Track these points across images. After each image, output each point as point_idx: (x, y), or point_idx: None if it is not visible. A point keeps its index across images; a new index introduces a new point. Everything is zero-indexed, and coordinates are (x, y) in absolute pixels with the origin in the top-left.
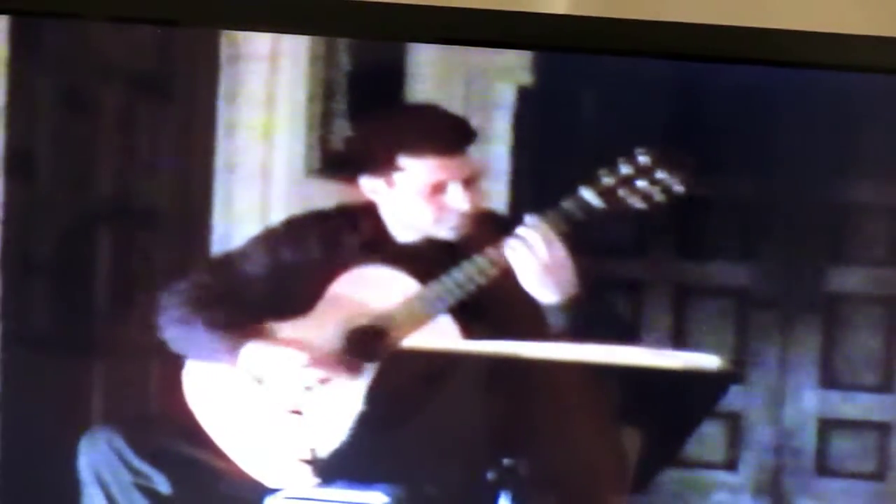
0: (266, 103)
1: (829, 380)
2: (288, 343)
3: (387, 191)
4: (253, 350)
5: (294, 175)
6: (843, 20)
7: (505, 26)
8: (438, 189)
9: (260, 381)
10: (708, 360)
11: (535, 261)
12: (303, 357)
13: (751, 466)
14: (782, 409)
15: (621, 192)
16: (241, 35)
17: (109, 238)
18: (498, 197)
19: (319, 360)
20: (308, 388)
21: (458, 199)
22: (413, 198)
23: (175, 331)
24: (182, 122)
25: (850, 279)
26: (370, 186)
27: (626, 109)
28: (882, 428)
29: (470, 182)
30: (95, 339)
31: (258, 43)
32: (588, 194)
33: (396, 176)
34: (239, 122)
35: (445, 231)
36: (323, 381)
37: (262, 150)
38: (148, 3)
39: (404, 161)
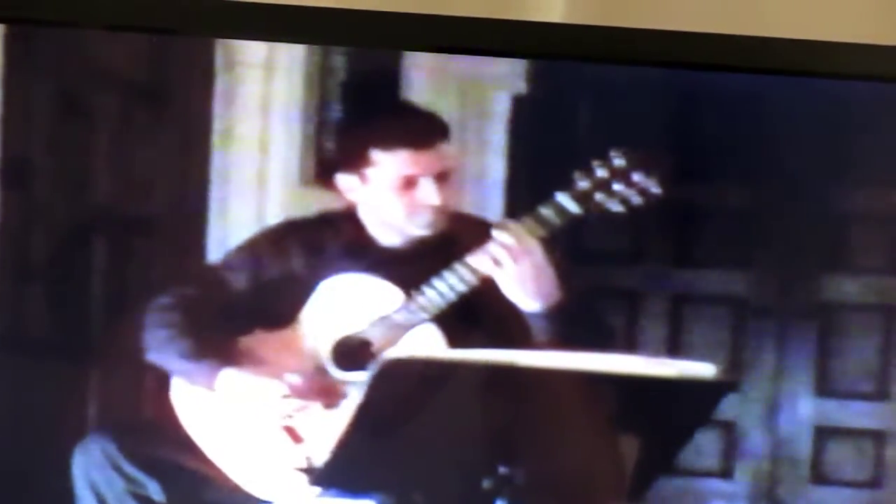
0: (261, 112)
1: (825, 388)
2: (264, 369)
3: (361, 187)
4: (229, 377)
5: (290, 183)
6: (837, 28)
7: (499, 35)
8: (410, 184)
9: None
10: (703, 369)
11: (514, 268)
12: (279, 387)
13: (746, 475)
14: (778, 418)
15: (598, 196)
16: (237, 43)
17: (104, 246)
18: (485, 203)
19: (296, 389)
20: (288, 417)
21: (429, 194)
22: (385, 193)
23: (155, 354)
24: (177, 130)
25: (845, 287)
26: (345, 183)
27: (617, 116)
28: (877, 436)
29: (442, 177)
30: (90, 347)
31: (253, 51)
32: (564, 199)
33: (369, 171)
34: (234, 131)
35: (418, 227)
36: (300, 410)
37: (257, 159)
38: (143, 11)
39: (376, 155)
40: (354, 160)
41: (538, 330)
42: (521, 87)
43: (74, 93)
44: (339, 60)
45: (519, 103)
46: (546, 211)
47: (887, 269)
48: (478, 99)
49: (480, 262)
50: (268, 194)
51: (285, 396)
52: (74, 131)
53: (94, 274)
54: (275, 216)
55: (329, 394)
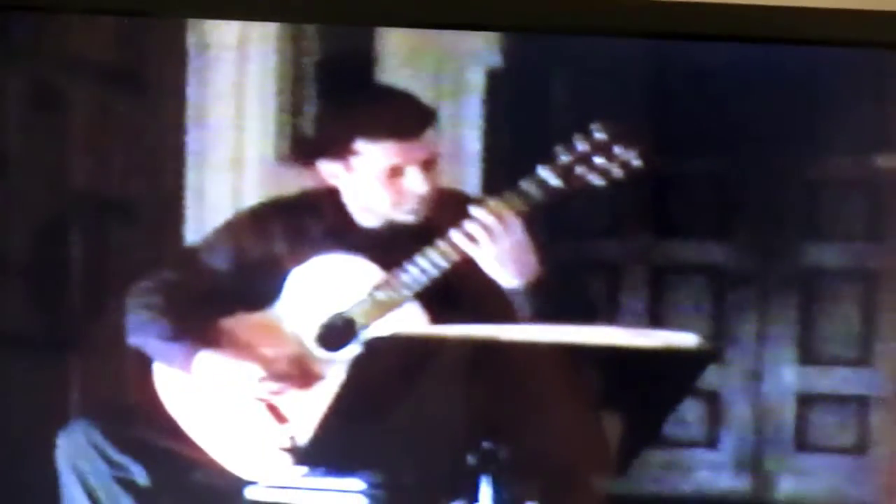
0: (235, 92)
1: (808, 355)
2: (242, 351)
3: (345, 175)
4: (205, 360)
5: (265, 162)
6: None
7: (474, 9)
8: (396, 173)
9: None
10: (685, 339)
11: (494, 245)
12: (256, 370)
13: (731, 444)
14: (761, 386)
15: (579, 170)
16: (209, 24)
17: (83, 232)
18: (464, 178)
19: (273, 373)
20: (262, 400)
21: (416, 183)
22: (371, 182)
23: (136, 338)
24: (152, 113)
25: (825, 254)
26: (329, 171)
27: (593, 88)
28: (861, 401)
29: (428, 165)
30: (72, 332)
31: (226, 32)
32: (545, 173)
33: (354, 160)
34: (209, 112)
35: (404, 215)
36: (276, 394)
37: (232, 140)
38: None
39: (362, 145)
40: (338, 149)
41: (519, 305)
42: (497, 61)
43: (48, 78)
44: (312, 39)
45: (495, 78)
46: (527, 185)
47: (867, 236)
48: (454, 74)
49: (461, 239)
50: (243, 175)
51: (262, 379)
52: (48, 116)
53: (72, 260)
54: (251, 196)
55: (306, 376)
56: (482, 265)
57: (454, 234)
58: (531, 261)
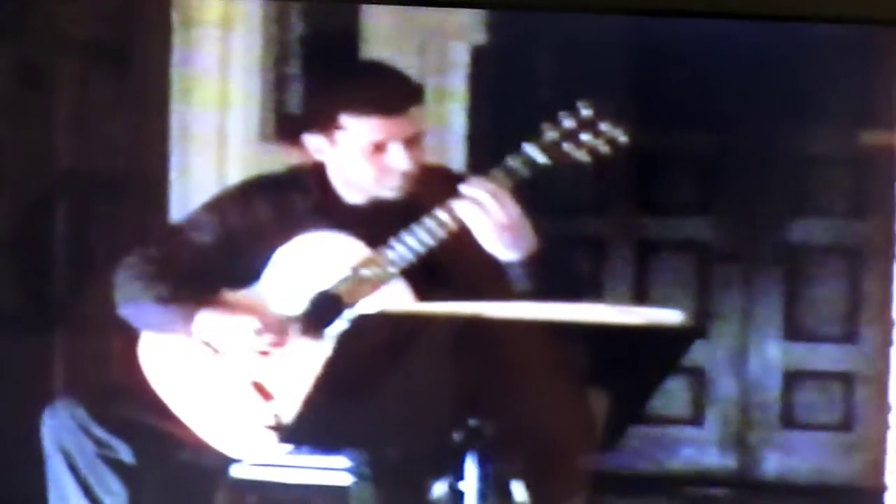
0: (220, 69)
1: (793, 332)
2: (240, 309)
3: (329, 149)
4: (206, 318)
5: (250, 140)
6: None
7: None
8: (380, 149)
9: (216, 351)
10: (670, 316)
11: (490, 219)
12: (255, 323)
13: (716, 421)
14: (747, 363)
15: (566, 147)
16: (193, 1)
17: (67, 210)
18: (449, 155)
19: (272, 325)
20: (263, 354)
21: (399, 160)
22: (355, 157)
23: (128, 307)
24: (137, 90)
25: (811, 231)
26: (313, 144)
27: (578, 66)
28: (846, 378)
29: (412, 142)
30: (57, 311)
31: (210, 8)
32: (532, 150)
33: (339, 135)
34: (193, 89)
35: (387, 191)
36: (277, 345)
37: (217, 117)
38: None
39: (346, 120)
40: (323, 122)
41: (514, 280)
42: (482, 38)
43: (32, 56)
44: (297, 16)
45: (480, 55)
46: (514, 162)
47: (852, 212)
48: (439, 51)
49: (452, 215)
50: (228, 152)
51: (259, 331)
52: (33, 94)
53: (56, 238)
54: (236, 174)
55: (306, 331)
56: (479, 239)
57: (448, 209)
58: (530, 234)
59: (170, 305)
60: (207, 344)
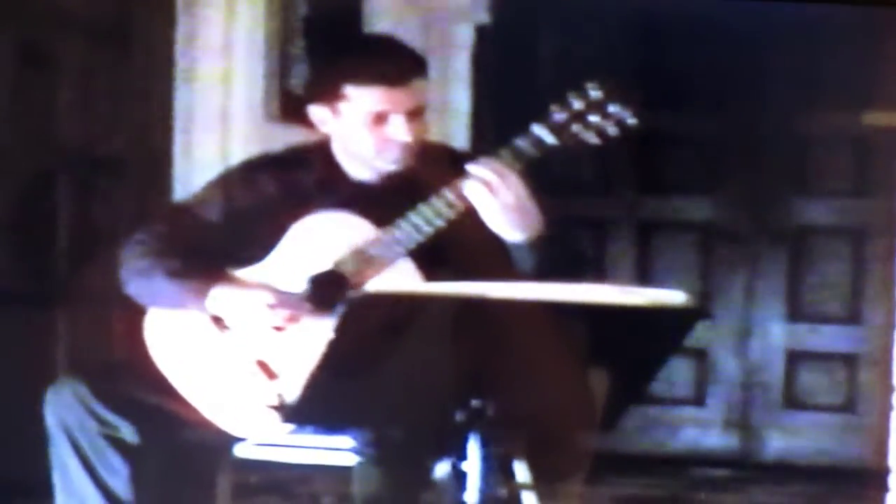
0: (224, 49)
1: (796, 312)
2: (253, 285)
3: (332, 120)
4: (219, 293)
5: (254, 119)
6: None
7: None
8: (381, 119)
9: (228, 327)
10: (673, 296)
11: (496, 199)
12: (269, 297)
13: (719, 401)
14: (749, 344)
15: (574, 128)
16: None
17: (71, 189)
18: (455, 135)
19: (285, 301)
20: (277, 329)
21: (399, 131)
22: (356, 127)
23: (138, 283)
24: (140, 70)
25: (814, 211)
26: (317, 115)
27: (583, 46)
28: (849, 359)
29: (413, 115)
30: (60, 289)
31: None
32: (540, 131)
33: (342, 105)
34: (197, 69)
35: (388, 163)
36: (291, 320)
37: (220, 95)
38: None
39: (349, 90)
40: (327, 93)
41: (518, 261)
42: (486, 17)
43: (36, 37)
44: None
45: (484, 34)
46: (522, 143)
47: (856, 192)
48: (442, 30)
49: (459, 195)
50: (232, 131)
51: (272, 306)
52: (37, 76)
53: (61, 217)
54: (240, 153)
55: (318, 306)
56: (485, 219)
57: (455, 189)
58: (536, 215)
59: (183, 280)
60: (220, 319)
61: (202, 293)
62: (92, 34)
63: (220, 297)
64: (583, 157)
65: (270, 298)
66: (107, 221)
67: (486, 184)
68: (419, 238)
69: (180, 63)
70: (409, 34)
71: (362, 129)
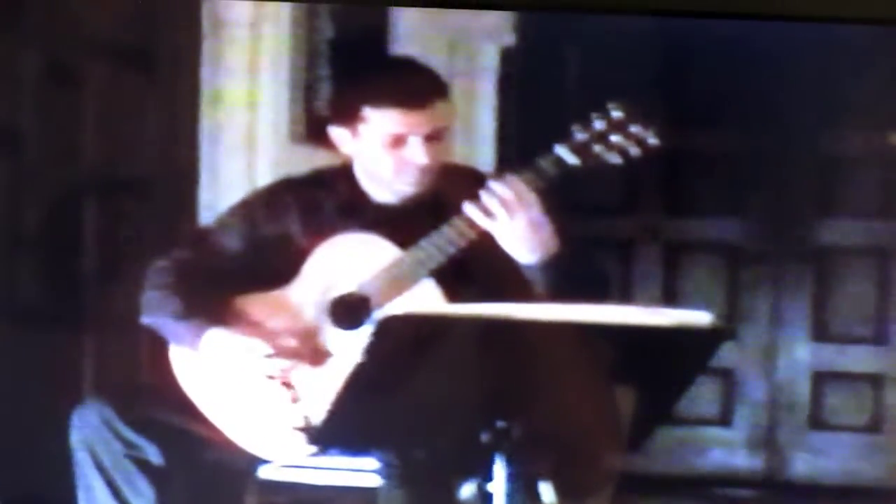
0: (249, 71)
1: (822, 333)
2: (251, 330)
3: (352, 142)
4: (214, 337)
5: (279, 141)
6: None
7: None
8: (398, 142)
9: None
10: (699, 317)
11: (512, 221)
12: (264, 348)
13: (745, 422)
14: (775, 364)
15: (596, 148)
16: (223, 3)
17: (97, 211)
18: (478, 156)
19: (282, 350)
20: (271, 378)
21: (416, 154)
22: (375, 149)
23: (148, 315)
24: (166, 93)
25: (840, 231)
26: (338, 137)
27: (606, 67)
28: (875, 380)
29: (432, 137)
30: (85, 312)
31: (240, 11)
32: (563, 151)
33: (361, 127)
34: (223, 91)
35: (405, 185)
36: (286, 371)
37: (246, 119)
38: None
39: (369, 112)
40: (347, 115)
41: (536, 282)
42: (511, 40)
43: (63, 58)
44: (326, 18)
45: (509, 57)
46: (544, 163)
47: (881, 213)
48: (468, 53)
49: (478, 214)
50: (257, 154)
51: (269, 356)
52: (63, 97)
53: (87, 238)
54: (265, 175)
55: (317, 353)
56: (499, 240)
57: (470, 210)
58: (550, 237)
59: (180, 321)
60: (215, 363)
61: (197, 336)
62: (118, 55)
63: (214, 340)
64: (609, 178)
65: (266, 349)
66: (132, 243)
67: (503, 202)
68: (442, 259)
69: (206, 85)
70: (434, 56)
71: (380, 152)
